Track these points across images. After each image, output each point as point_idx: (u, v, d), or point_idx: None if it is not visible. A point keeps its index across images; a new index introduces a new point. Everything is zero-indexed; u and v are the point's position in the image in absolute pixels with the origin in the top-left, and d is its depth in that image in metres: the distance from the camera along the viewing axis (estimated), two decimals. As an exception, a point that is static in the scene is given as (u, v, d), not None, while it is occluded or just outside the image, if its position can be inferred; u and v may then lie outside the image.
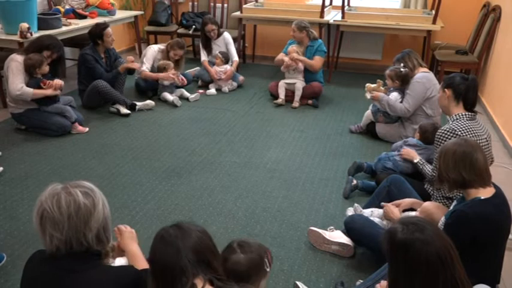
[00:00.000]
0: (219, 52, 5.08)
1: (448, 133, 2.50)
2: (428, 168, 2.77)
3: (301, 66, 4.59)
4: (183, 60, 4.90)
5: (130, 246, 1.73)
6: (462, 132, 2.47)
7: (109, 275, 1.35)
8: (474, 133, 2.48)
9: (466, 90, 2.54)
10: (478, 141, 2.44)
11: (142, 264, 1.65)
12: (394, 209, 2.31)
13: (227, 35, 5.21)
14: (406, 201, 2.37)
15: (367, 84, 3.84)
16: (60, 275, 1.32)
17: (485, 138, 2.52)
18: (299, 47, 4.64)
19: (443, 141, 2.50)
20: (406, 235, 1.37)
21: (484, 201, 1.80)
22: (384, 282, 1.73)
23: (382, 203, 2.41)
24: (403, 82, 3.66)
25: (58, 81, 3.75)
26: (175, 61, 4.79)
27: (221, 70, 5.03)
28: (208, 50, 5.20)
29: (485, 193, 1.82)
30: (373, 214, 2.51)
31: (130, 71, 4.50)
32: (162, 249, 1.28)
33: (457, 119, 2.56)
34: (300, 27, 4.56)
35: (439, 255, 1.33)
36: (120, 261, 1.73)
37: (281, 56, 4.70)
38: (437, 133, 2.56)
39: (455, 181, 1.86)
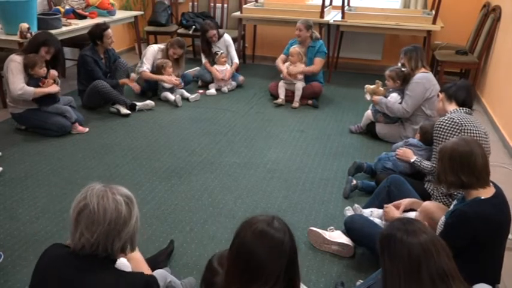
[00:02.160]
0: (220, 52, 5.07)
1: (447, 121, 2.52)
2: (425, 164, 2.77)
3: (300, 76, 4.60)
4: (183, 60, 4.89)
5: (134, 254, 1.74)
6: (461, 120, 2.49)
7: (123, 280, 1.36)
8: (472, 124, 2.51)
9: (456, 90, 2.70)
10: (477, 132, 2.48)
11: (145, 269, 1.68)
12: (394, 211, 2.31)
13: (227, 37, 5.20)
14: (406, 201, 2.37)
15: (367, 86, 3.84)
16: (76, 274, 1.32)
17: (484, 132, 2.53)
18: (300, 47, 4.63)
19: (442, 131, 2.53)
20: (388, 230, 1.42)
21: (484, 201, 1.79)
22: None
23: (385, 205, 2.41)
24: (404, 82, 3.66)
25: (53, 72, 3.78)
26: (175, 60, 4.79)
27: (223, 69, 5.03)
28: (210, 54, 5.18)
29: (486, 193, 1.82)
30: (373, 214, 2.51)
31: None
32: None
33: (454, 111, 2.64)
34: (307, 26, 4.56)
35: (422, 246, 1.34)
36: (121, 261, 1.72)
37: (280, 61, 4.72)
38: (436, 124, 2.59)
39: (454, 183, 1.86)
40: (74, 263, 1.34)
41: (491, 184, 1.86)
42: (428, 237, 1.36)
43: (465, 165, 1.81)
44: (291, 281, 1.31)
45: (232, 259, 1.32)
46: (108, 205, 1.32)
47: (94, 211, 1.30)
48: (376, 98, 3.75)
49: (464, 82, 2.80)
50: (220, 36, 5.16)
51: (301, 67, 4.60)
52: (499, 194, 1.83)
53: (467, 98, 2.67)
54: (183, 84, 4.83)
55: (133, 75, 4.51)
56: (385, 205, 2.40)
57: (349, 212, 2.62)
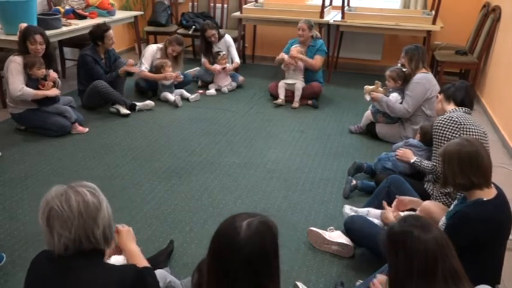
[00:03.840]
0: (221, 53, 5.06)
1: (446, 120, 2.53)
2: (426, 164, 2.76)
3: (301, 64, 4.59)
4: (181, 58, 4.89)
5: (129, 245, 1.73)
6: (460, 119, 2.50)
7: (113, 274, 1.36)
8: (472, 123, 2.51)
9: (455, 90, 2.72)
10: (477, 132, 2.49)
11: (141, 262, 1.66)
12: (388, 214, 2.29)
13: (228, 38, 5.19)
14: (404, 198, 2.36)
15: (366, 86, 3.84)
16: (66, 274, 1.32)
17: (483, 131, 2.53)
18: (301, 46, 4.63)
19: (441, 130, 2.53)
20: (403, 226, 1.39)
21: (486, 203, 1.78)
22: (380, 276, 1.73)
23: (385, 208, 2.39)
24: (404, 82, 3.66)
25: (53, 75, 3.78)
26: (174, 58, 4.79)
27: (222, 67, 5.03)
28: (209, 53, 5.16)
29: (488, 194, 1.81)
30: (370, 214, 2.50)
31: (130, 73, 4.51)
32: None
33: (453, 111, 2.66)
34: (310, 25, 4.58)
35: (437, 242, 1.33)
36: (116, 259, 1.72)
37: (282, 55, 4.71)
38: (435, 122, 2.59)
39: (463, 185, 1.83)
40: (61, 265, 1.33)
41: (492, 185, 1.85)
42: (439, 233, 1.36)
43: (474, 165, 1.78)
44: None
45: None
46: (72, 199, 1.31)
47: (61, 210, 1.30)
48: (377, 95, 3.72)
49: (463, 83, 2.81)
50: (221, 37, 5.15)
51: (301, 65, 4.61)
52: (500, 195, 1.82)
53: (465, 98, 2.69)
54: (182, 77, 4.81)
55: (130, 60, 4.48)
56: (386, 206, 2.38)
57: (347, 209, 2.61)
